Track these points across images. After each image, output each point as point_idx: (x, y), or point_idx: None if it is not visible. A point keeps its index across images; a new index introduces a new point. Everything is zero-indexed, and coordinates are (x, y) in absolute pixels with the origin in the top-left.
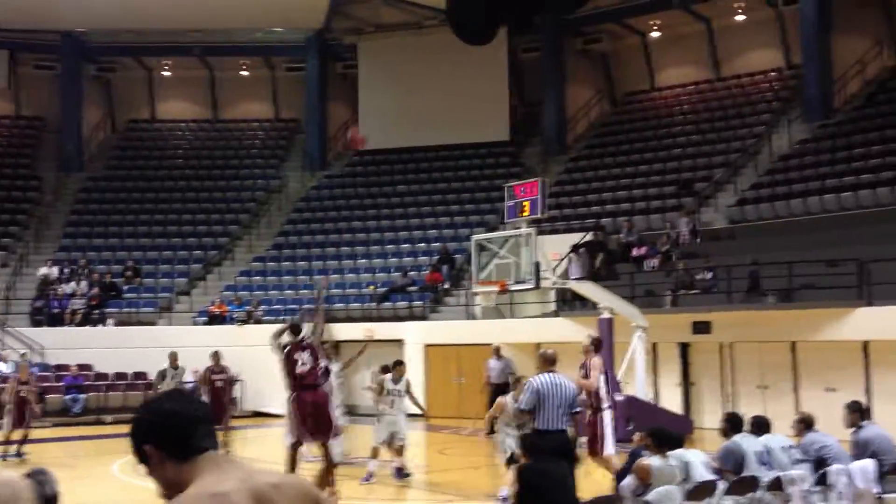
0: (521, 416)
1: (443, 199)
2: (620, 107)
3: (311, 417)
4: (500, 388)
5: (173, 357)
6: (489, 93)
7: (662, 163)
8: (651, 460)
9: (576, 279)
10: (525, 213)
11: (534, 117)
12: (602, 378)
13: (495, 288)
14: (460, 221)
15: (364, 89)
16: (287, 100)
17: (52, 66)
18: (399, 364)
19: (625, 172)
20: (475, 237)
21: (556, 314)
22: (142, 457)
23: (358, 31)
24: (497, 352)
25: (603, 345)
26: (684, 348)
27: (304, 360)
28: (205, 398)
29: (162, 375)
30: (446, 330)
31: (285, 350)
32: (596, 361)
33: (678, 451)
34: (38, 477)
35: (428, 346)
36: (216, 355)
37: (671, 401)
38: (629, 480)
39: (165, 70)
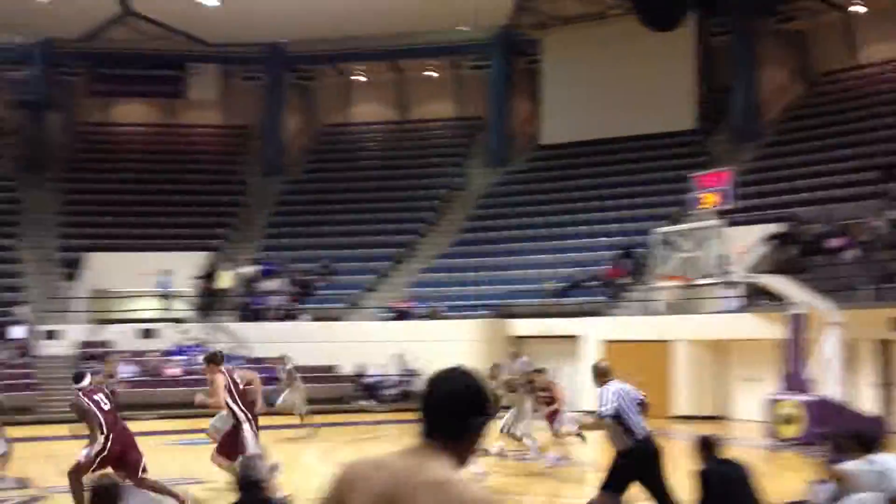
0: (599, 424)
1: (626, 191)
2: (817, 87)
3: None
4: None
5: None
6: (675, 81)
7: (865, 146)
8: (853, 464)
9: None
10: (711, 204)
11: (721, 104)
12: (228, 393)
13: (679, 282)
14: (643, 215)
15: (548, 83)
16: (470, 97)
17: (257, 76)
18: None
19: (821, 158)
20: (659, 230)
21: (743, 310)
22: (473, 427)
23: (542, 26)
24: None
25: (224, 359)
26: (884, 345)
27: None
28: None
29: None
30: (624, 326)
31: None
32: (219, 378)
33: (881, 456)
34: (247, 461)
35: (607, 342)
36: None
37: (867, 402)
38: (828, 486)
39: (359, 75)
